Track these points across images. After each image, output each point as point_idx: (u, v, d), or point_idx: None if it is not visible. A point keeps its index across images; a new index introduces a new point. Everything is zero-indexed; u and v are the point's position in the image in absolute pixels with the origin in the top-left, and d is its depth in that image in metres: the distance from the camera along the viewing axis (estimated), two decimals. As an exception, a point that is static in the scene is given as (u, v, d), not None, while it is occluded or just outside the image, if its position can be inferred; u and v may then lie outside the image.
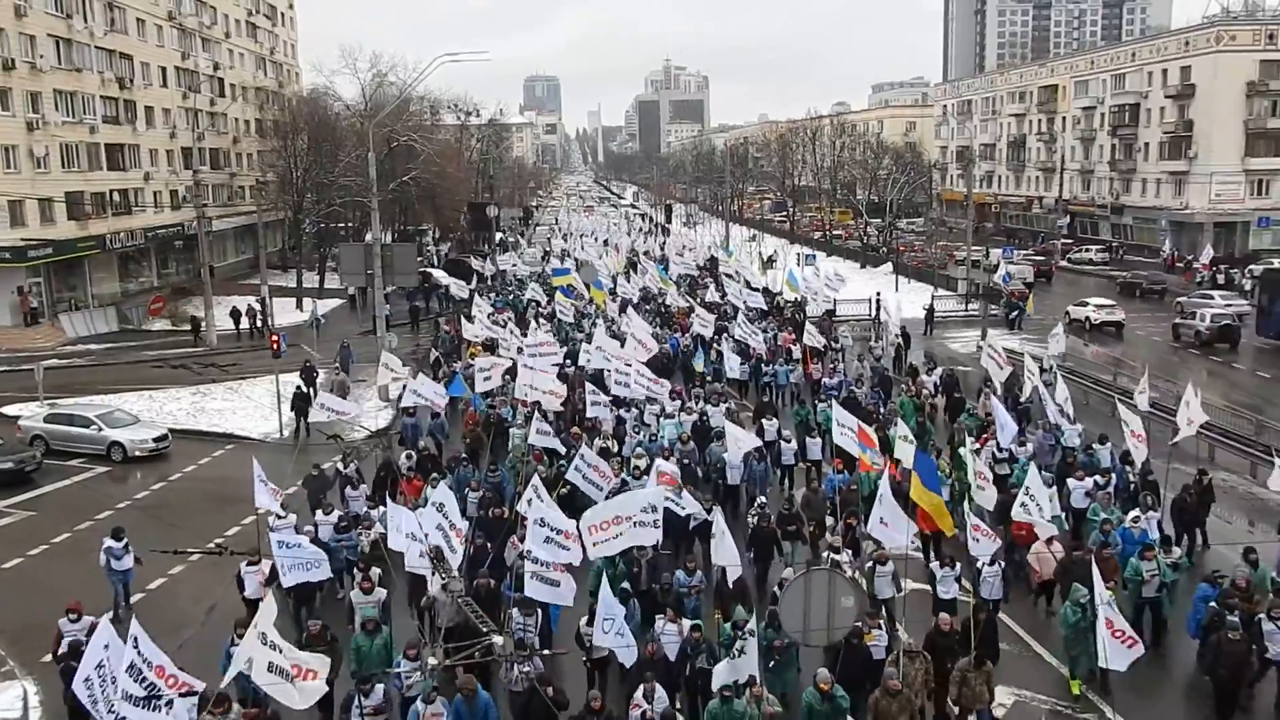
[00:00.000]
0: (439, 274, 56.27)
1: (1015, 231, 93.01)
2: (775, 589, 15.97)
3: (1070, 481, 20.56)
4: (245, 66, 76.05)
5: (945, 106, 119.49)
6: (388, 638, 14.46)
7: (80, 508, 24.39)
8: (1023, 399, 28.36)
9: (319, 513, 19.37)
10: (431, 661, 12.24)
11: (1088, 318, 47.72)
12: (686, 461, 21.80)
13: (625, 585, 15.71)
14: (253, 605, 15.65)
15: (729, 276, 51.43)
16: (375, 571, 16.21)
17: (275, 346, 32.58)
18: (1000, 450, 22.61)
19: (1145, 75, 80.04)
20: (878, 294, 48.86)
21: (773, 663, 13.72)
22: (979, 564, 16.33)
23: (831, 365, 32.88)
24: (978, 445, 22.57)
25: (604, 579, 15.07)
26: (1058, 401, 25.51)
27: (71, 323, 49.85)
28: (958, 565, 16.53)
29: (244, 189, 70.63)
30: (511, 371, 29.71)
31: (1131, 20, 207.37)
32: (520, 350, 31.24)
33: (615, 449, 23.17)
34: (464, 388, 29.76)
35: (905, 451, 20.30)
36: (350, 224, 69.06)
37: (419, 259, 54.81)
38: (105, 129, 53.80)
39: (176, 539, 18.22)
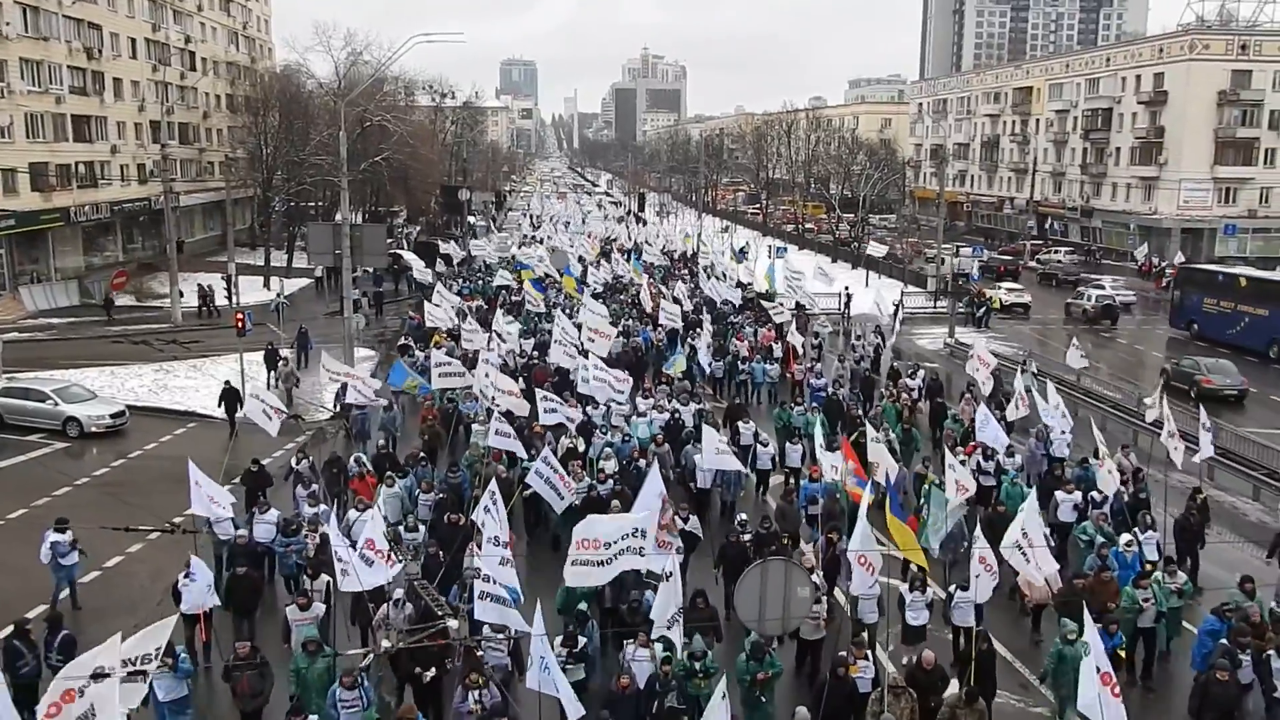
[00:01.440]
0: (409, 256, 55.79)
1: (990, 231, 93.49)
2: None
3: (1058, 494, 19.16)
4: (217, 40, 74.84)
5: (921, 105, 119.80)
6: (330, 660, 13.11)
7: (36, 484, 23.95)
8: (1015, 407, 26.01)
9: (255, 511, 17.93)
10: (385, 644, 11.93)
11: (999, 299, 53.99)
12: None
13: (583, 606, 14.59)
14: (190, 620, 15.02)
15: (707, 271, 51.06)
16: (323, 579, 15.23)
17: (240, 325, 32.18)
18: (986, 460, 21.42)
19: (1119, 80, 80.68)
20: (846, 288, 48.82)
21: (758, 694, 13.02)
22: (951, 587, 15.36)
23: (810, 364, 31.86)
24: (964, 454, 21.11)
25: (539, 604, 12.76)
26: (1050, 405, 24.27)
27: (32, 296, 48.98)
28: (929, 590, 15.55)
29: (213, 165, 69.75)
30: (471, 361, 28.25)
31: (1108, 25, 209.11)
32: (489, 343, 30.56)
33: (582, 448, 21.89)
34: (405, 376, 27.78)
35: (883, 455, 19.90)
36: (320, 203, 68.34)
37: (389, 240, 54.20)
38: (72, 99, 52.72)
39: (133, 517, 17.78)
